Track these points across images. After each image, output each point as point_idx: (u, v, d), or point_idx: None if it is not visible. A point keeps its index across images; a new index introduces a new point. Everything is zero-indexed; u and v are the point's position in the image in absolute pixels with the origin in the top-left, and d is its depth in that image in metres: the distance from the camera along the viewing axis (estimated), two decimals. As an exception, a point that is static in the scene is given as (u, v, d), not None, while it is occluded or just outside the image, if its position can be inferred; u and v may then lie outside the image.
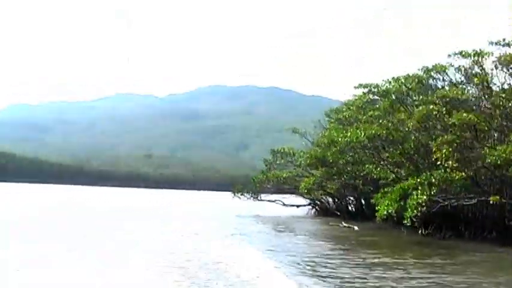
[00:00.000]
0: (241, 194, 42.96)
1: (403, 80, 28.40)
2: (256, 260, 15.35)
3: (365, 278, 12.81)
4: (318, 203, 38.92)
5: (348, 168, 31.60)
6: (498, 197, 19.28)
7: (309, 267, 14.24)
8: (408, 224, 21.69)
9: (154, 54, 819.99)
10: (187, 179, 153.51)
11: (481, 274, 13.93)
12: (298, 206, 40.12)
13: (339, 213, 35.43)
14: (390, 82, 29.81)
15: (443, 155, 19.67)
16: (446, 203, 21.29)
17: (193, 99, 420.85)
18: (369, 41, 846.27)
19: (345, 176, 32.63)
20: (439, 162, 20.23)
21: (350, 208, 36.35)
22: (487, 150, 19.60)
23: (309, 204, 39.83)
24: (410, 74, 27.37)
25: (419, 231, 23.79)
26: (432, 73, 25.77)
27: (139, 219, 31.28)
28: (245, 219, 33.67)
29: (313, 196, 38.18)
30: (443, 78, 26.16)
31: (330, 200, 37.90)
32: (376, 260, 15.92)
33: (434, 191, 21.86)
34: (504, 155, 18.51)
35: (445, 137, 19.93)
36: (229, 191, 45.66)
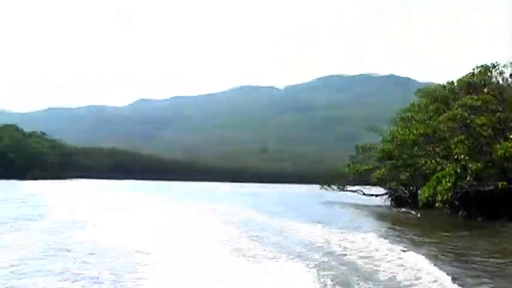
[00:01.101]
0: (328, 186, 49.02)
1: (455, 84, 33.26)
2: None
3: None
4: (394, 192, 43.47)
5: (410, 161, 36.31)
6: (506, 183, 23.63)
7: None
8: (441, 207, 26.74)
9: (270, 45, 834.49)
10: (297, 173, 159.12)
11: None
12: (376, 196, 45.07)
13: (409, 201, 39.90)
14: (445, 87, 34.66)
15: (460, 151, 24.40)
16: (470, 189, 25.90)
17: (311, 90, 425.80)
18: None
19: (409, 168, 37.32)
20: (456, 156, 24.92)
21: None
22: (498, 146, 23.99)
23: (386, 194, 44.49)
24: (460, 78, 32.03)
25: (460, 213, 28.30)
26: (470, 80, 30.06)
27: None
28: (327, 205, 40.10)
29: (390, 186, 42.96)
30: (484, 82, 30.45)
31: (404, 189, 42.35)
32: (393, 232, 21.48)
33: (468, 179, 26.54)
34: (509, 149, 22.92)
35: (460, 136, 24.65)
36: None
